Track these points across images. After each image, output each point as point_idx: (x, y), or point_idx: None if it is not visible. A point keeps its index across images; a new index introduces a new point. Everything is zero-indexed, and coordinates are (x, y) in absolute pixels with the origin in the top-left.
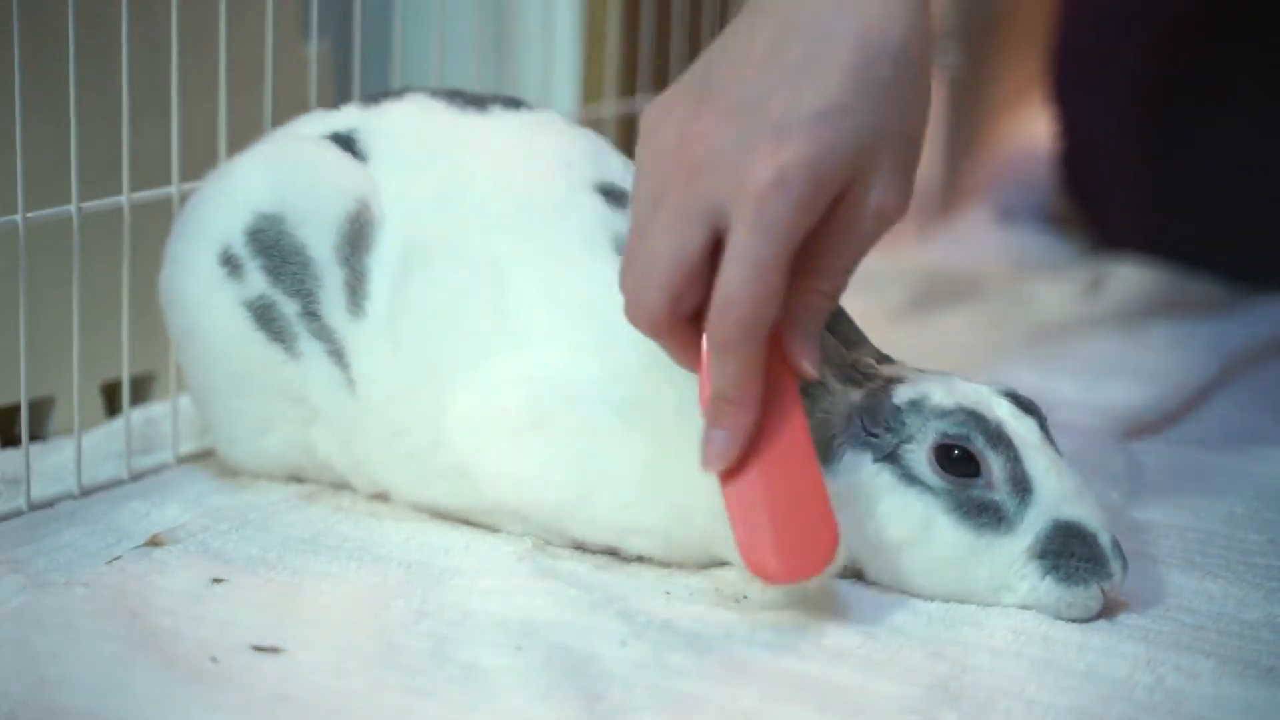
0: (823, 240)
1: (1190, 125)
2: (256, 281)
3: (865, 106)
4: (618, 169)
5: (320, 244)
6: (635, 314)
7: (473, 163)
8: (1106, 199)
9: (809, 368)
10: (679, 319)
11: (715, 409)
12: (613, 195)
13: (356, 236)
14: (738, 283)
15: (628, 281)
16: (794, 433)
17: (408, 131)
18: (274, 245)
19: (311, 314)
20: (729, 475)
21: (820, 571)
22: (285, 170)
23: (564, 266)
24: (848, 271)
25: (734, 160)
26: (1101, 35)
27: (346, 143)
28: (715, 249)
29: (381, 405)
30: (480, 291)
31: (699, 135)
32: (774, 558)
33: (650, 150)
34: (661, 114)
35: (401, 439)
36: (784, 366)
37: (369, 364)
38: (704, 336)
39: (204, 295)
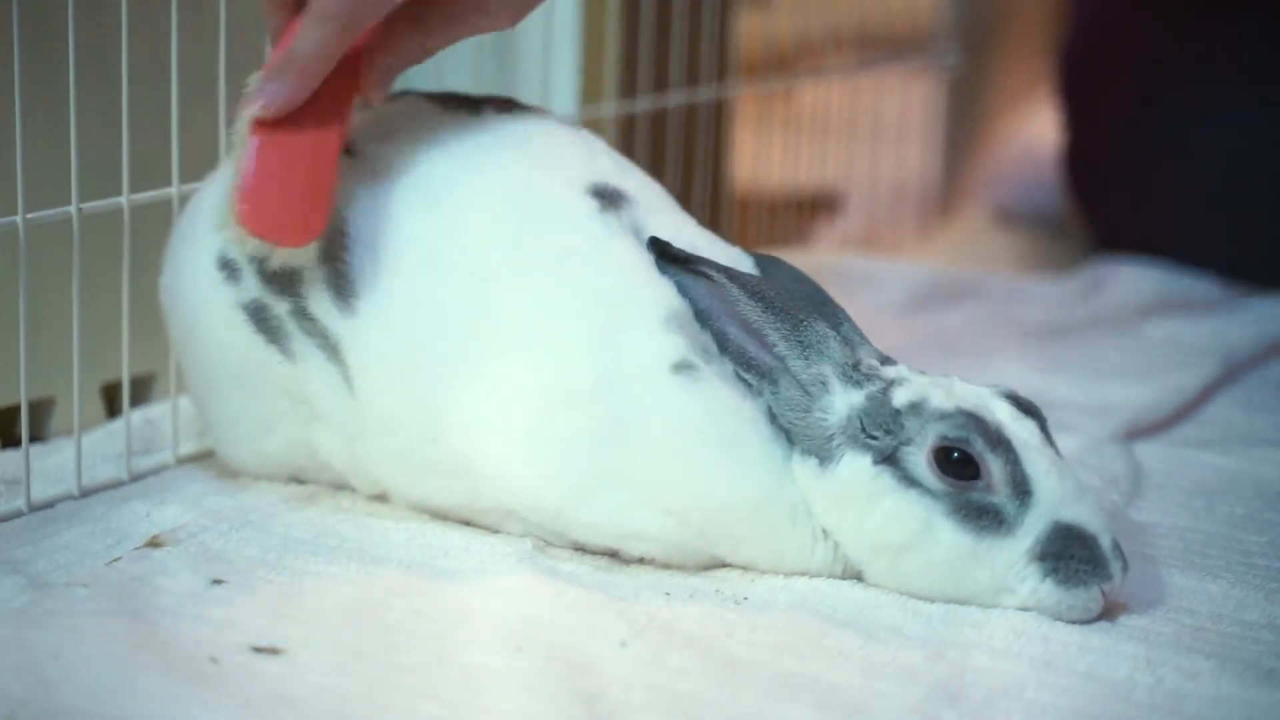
0: (439, 11)
1: (1191, 125)
2: (251, 284)
3: None
4: (611, 170)
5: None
6: None
7: (462, 164)
8: (1107, 199)
9: (377, 95)
10: None
11: (283, 62)
12: (605, 197)
13: (338, 232)
14: None
15: None
16: (332, 134)
17: (399, 132)
18: None
19: (303, 313)
20: (263, 129)
21: (296, 244)
22: None
23: (554, 271)
24: (449, 43)
25: None
26: (1107, 35)
27: None
28: None
29: (374, 400)
30: (469, 293)
31: None
32: (264, 213)
33: None
34: None
35: (394, 434)
36: (353, 84)
37: (361, 359)
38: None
39: (203, 298)
